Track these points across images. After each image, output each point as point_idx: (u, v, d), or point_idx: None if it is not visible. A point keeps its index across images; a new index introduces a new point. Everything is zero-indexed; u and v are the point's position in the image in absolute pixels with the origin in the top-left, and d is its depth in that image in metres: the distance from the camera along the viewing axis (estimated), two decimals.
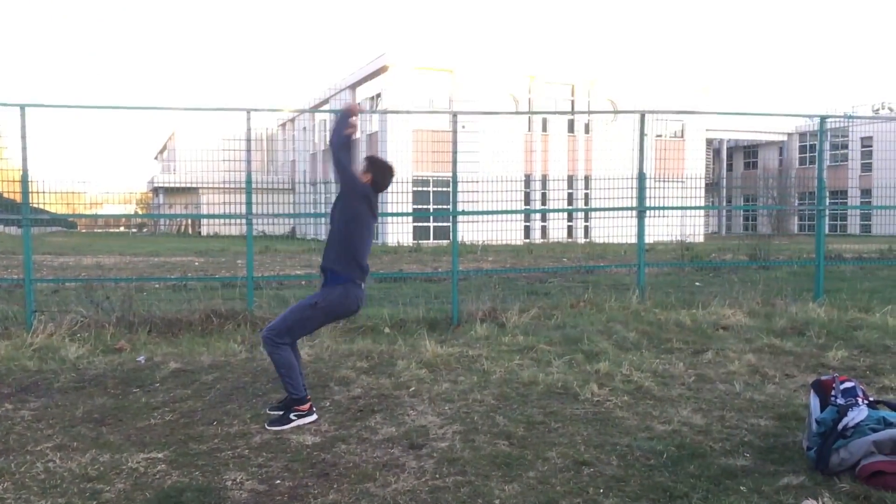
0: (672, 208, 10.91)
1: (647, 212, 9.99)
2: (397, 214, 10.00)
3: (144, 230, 32.45)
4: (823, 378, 4.38)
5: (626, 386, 5.76)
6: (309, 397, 5.00)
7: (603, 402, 5.32)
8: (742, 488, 3.68)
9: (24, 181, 8.15)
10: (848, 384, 4.25)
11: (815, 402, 4.23)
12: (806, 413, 4.40)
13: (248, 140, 8.89)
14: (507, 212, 10.17)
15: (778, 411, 5.08)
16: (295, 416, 4.86)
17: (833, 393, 4.19)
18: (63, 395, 5.66)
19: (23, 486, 3.80)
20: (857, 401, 4.09)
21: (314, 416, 4.94)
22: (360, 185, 4.98)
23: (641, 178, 9.83)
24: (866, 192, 37.78)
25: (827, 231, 11.10)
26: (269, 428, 4.76)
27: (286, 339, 4.93)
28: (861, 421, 3.90)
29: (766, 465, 4.02)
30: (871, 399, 4.21)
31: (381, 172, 5.12)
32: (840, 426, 3.90)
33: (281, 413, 4.91)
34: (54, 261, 19.00)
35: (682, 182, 12.26)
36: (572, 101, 37.32)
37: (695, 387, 5.78)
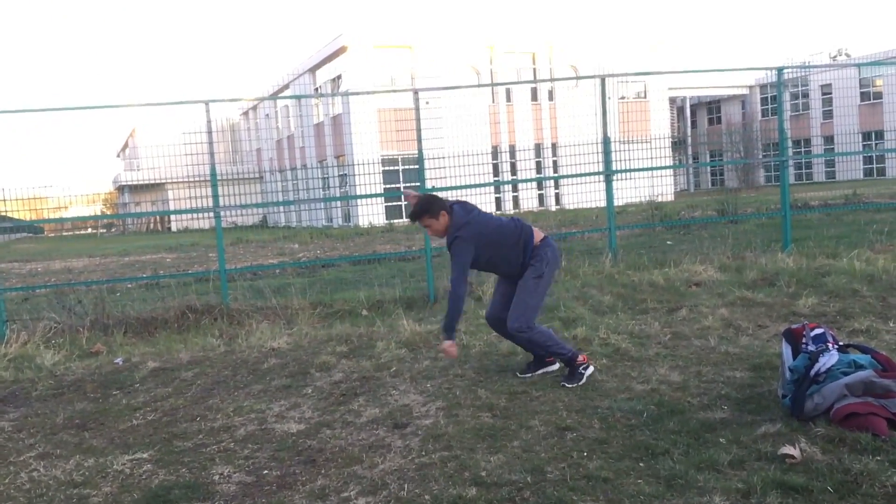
0: (638, 170, 10.99)
1: (616, 175, 10.06)
2: (368, 196, 9.99)
3: (113, 230, 32.06)
4: (794, 326, 4.47)
5: (603, 349, 5.83)
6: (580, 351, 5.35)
7: None
8: (721, 440, 3.76)
9: None
10: (818, 331, 4.34)
11: (787, 350, 4.31)
12: (779, 362, 4.50)
13: (210, 132, 8.79)
14: (476, 185, 10.17)
15: (752, 362, 5.18)
16: (583, 369, 5.09)
17: (804, 340, 4.28)
18: (42, 402, 5.62)
19: (8, 498, 3.78)
20: (827, 346, 4.18)
21: (592, 367, 5.21)
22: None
23: (606, 142, 9.88)
24: (829, 139, 38.27)
25: (793, 180, 11.25)
26: (567, 385, 4.97)
27: (535, 321, 5.15)
28: (832, 366, 4.00)
29: (744, 416, 4.11)
30: (840, 343, 4.31)
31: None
32: (812, 372, 3.99)
33: (568, 372, 5.11)
34: (23, 268, 18.71)
35: (647, 142, 12.32)
36: (534, 69, 37.22)
37: (671, 345, 5.88)
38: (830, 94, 43.90)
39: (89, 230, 29.88)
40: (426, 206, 5.04)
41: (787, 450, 3.49)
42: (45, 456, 4.37)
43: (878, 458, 3.38)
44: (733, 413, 4.18)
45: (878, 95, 42.53)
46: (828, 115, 42.89)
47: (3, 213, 9.52)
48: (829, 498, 3.07)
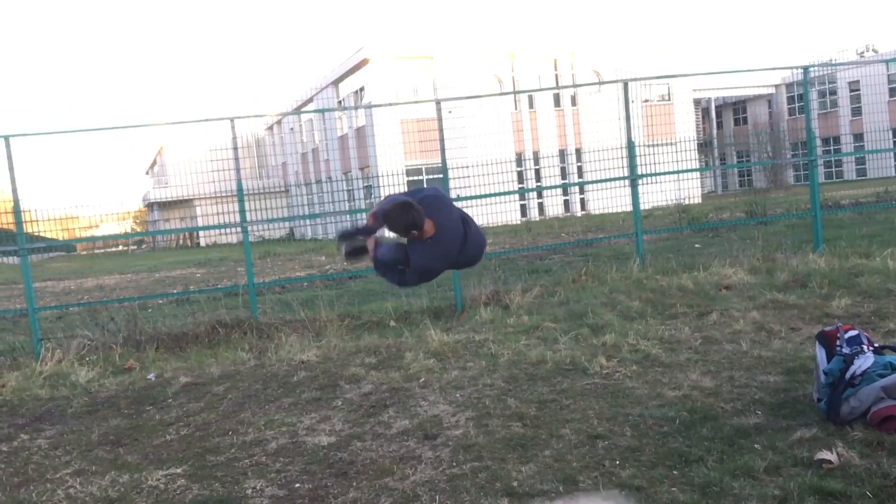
0: (663, 174, 10.91)
1: (641, 178, 9.99)
2: None
3: (143, 246, 32.52)
4: (827, 329, 4.40)
5: (633, 356, 5.78)
6: None
7: (612, 374, 5.35)
8: (756, 446, 3.71)
9: (17, 211, 8.18)
10: (852, 332, 4.27)
11: (821, 353, 4.24)
12: (814, 365, 4.43)
13: (235, 148, 8.89)
14: (500, 193, 10.16)
15: (786, 366, 5.10)
16: None
17: (838, 343, 4.21)
18: (77, 420, 5.70)
19: None
20: (862, 348, 4.11)
21: None
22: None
23: (630, 146, 9.82)
24: (858, 137, 37.65)
25: (822, 179, 11.12)
26: None
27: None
28: (868, 368, 3.93)
29: (779, 421, 4.05)
30: (876, 345, 4.23)
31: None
32: (848, 375, 3.92)
33: None
34: (56, 286, 19.02)
35: (673, 145, 12.24)
36: (556, 76, 37.14)
37: (702, 350, 5.81)
38: (859, 90, 43.22)
39: (120, 247, 30.35)
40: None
41: (824, 455, 3.44)
42: (81, 472, 4.43)
43: None
44: (767, 418, 4.12)
45: None
46: (856, 112, 42.20)
47: (37, 234, 9.70)
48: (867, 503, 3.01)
